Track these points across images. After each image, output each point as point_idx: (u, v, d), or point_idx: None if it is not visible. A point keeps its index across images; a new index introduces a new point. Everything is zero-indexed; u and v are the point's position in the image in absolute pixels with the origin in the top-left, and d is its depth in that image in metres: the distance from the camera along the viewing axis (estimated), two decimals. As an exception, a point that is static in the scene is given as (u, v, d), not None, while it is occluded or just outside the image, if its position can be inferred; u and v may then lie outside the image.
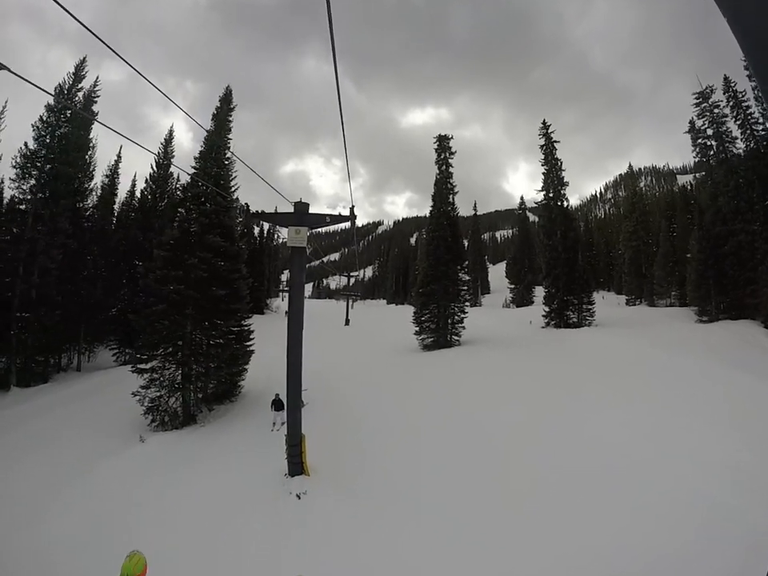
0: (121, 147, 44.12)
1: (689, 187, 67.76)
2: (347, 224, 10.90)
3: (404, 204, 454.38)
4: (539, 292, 62.99)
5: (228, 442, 16.00)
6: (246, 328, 20.38)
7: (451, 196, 34.25)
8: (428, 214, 35.36)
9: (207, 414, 18.97)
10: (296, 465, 11.65)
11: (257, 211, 10.64)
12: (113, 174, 39.72)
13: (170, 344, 18.08)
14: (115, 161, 40.17)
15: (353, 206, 9.79)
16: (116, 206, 39.73)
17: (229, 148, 20.81)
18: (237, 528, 9.62)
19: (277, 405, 16.64)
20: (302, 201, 10.38)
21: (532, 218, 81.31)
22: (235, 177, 21.92)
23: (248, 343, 20.54)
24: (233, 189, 21.69)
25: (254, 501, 10.84)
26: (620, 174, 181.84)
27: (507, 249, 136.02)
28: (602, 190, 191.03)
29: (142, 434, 17.00)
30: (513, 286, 69.94)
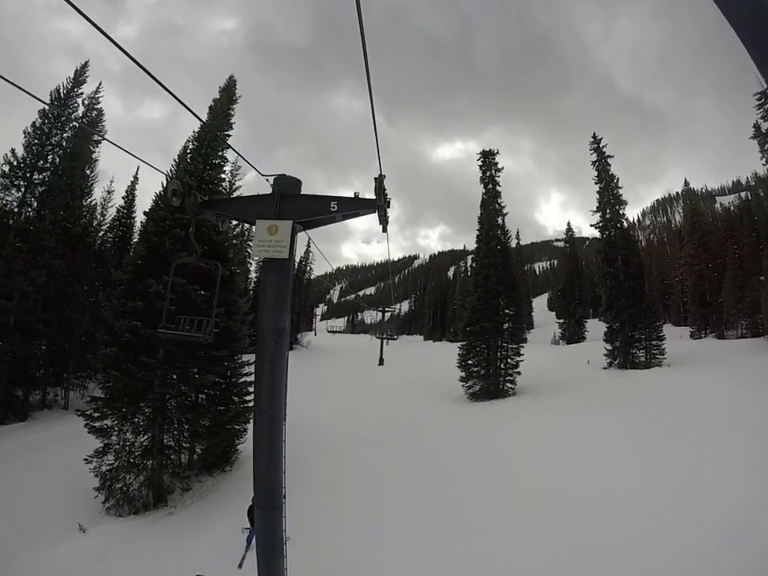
0: (138, 168, 40.59)
1: (729, 205, 62.24)
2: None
3: (438, 237, 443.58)
4: (590, 326, 57.33)
5: (193, 550, 11.04)
6: (238, 380, 15.33)
7: (500, 218, 29.71)
8: (475, 240, 30.63)
9: (182, 494, 14.01)
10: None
11: (203, 196, 5.50)
12: (129, 196, 36.14)
13: (124, 402, 13.14)
14: (132, 182, 36.61)
15: (381, 176, 4.77)
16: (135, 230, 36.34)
17: (228, 146, 16.20)
18: None
19: None
20: (292, 176, 5.41)
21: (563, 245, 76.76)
22: (239, 186, 17.25)
23: (247, 397, 15.54)
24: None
25: None
26: (657, 200, 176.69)
27: (547, 281, 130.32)
28: (640, 217, 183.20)
29: (85, 521, 12.43)
30: (561, 321, 63.63)
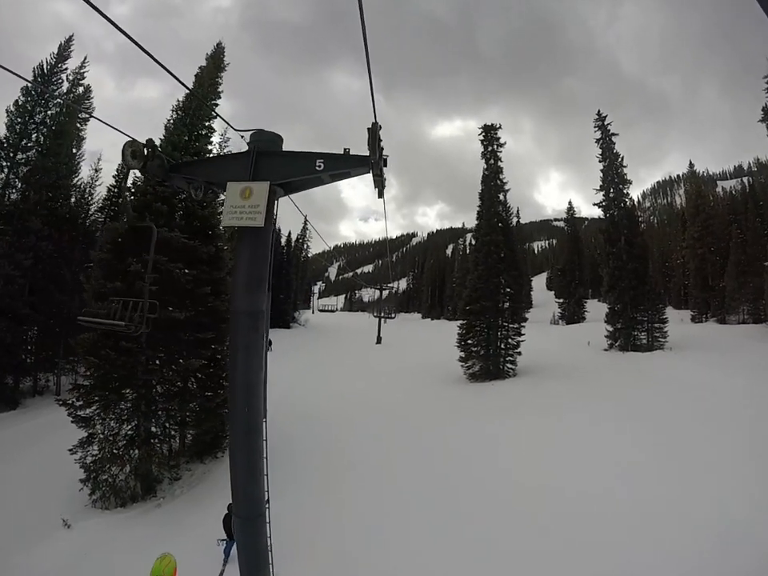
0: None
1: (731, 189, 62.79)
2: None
3: (436, 215, 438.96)
4: (590, 307, 56.94)
5: (182, 546, 10.30)
6: (228, 363, 14.61)
7: (502, 194, 28.83)
8: (475, 217, 29.88)
9: (172, 483, 13.42)
10: None
11: (170, 159, 4.68)
12: (119, 175, 34.96)
13: (106, 390, 12.43)
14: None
15: (376, 125, 3.92)
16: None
17: (214, 116, 15.24)
18: None
19: None
20: (272, 132, 4.61)
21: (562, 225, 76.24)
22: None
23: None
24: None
25: None
26: (657, 182, 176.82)
27: (546, 260, 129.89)
28: (640, 199, 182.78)
29: (70, 516, 11.77)
30: (561, 301, 63.03)
